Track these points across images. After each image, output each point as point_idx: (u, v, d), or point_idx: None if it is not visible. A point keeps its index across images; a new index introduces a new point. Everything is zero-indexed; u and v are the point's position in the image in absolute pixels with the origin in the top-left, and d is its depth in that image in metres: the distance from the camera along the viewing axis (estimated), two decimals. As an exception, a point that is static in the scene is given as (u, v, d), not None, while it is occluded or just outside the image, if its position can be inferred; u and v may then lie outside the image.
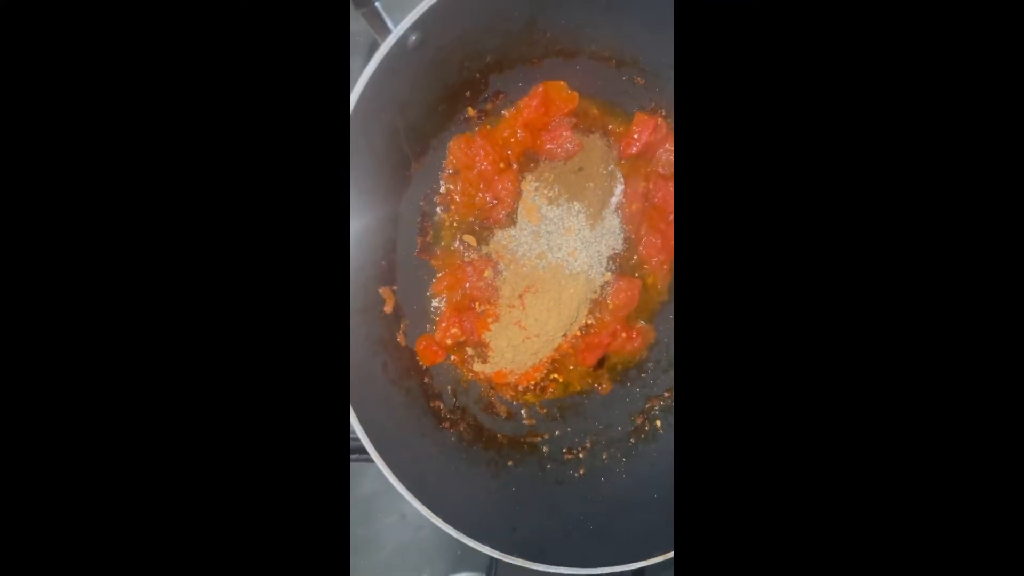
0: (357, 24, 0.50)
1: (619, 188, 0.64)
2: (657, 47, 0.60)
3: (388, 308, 0.56)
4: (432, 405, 0.59)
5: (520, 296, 0.61)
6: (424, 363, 0.59)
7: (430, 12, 0.43)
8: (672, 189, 0.66)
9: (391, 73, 0.45)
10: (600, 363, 0.66)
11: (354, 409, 0.47)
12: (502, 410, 0.63)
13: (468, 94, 0.57)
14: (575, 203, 0.63)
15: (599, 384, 0.66)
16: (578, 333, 0.64)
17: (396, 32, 0.43)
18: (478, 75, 0.56)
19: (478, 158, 0.59)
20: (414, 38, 0.44)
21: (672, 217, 0.67)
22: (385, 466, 0.46)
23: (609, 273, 0.64)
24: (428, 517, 0.47)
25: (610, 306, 0.65)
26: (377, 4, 0.48)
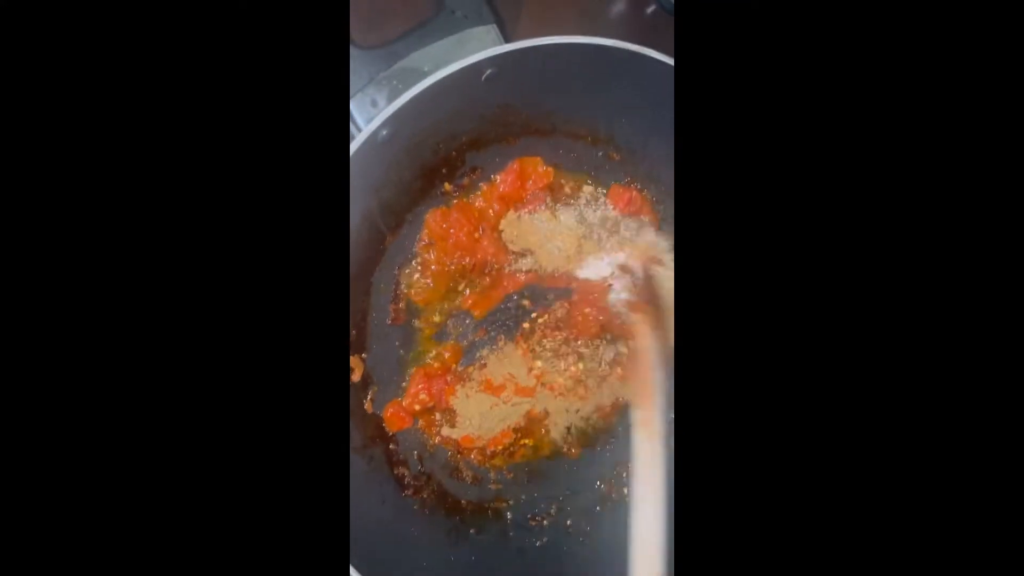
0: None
1: (592, 259, 0.66)
2: (632, 126, 0.62)
3: (356, 376, 0.58)
4: (396, 472, 0.60)
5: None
6: (391, 429, 0.60)
7: (400, 111, 0.45)
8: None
9: (363, 162, 0.47)
10: (570, 427, 0.67)
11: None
12: (468, 475, 0.63)
13: (444, 171, 0.59)
14: (548, 273, 0.64)
15: (568, 448, 0.67)
16: (549, 398, 0.65)
17: (366, 131, 0.44)
18: (454, 153, 0.58)
19: (453, 230, 0.61)
20: (385, 133, 0.46)
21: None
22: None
23: (581, 340, 0.65)
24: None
25: (582, 371, 0.66)
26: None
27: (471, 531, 0.61)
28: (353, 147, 0.45)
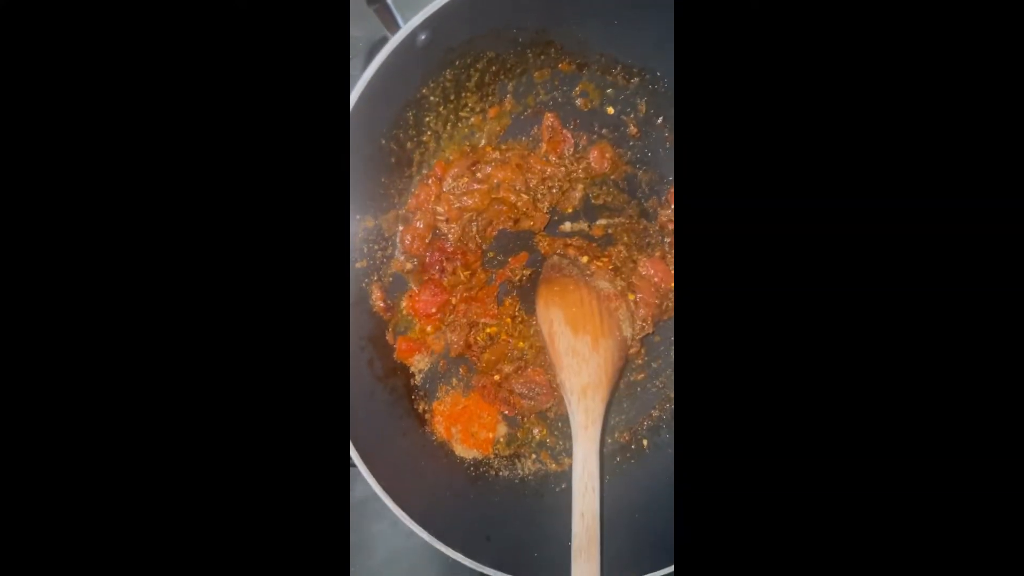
0: (357, 29, 0.51)
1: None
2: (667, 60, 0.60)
3: (380, 304, 0.56)
4: (417, 407, 0.58)
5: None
6: (399, 359, 0.58)
7: (441, 12, 0.43)
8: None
9: (399, 66, 0.45)
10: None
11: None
12: (488, 416, 0.62)
13: (478, 92, 0.56)
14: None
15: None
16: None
17: (405, 29, 0.43)
18: (487, 78, 0.56)
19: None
20: (423, 36, 0.44)
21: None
22: (361, 462, 0.46)
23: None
24: (400, 516, 0.47)
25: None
26: (389, 1, 0.48)
27: (491, 471, 0.60)
28: (390, 47, 0.43)
